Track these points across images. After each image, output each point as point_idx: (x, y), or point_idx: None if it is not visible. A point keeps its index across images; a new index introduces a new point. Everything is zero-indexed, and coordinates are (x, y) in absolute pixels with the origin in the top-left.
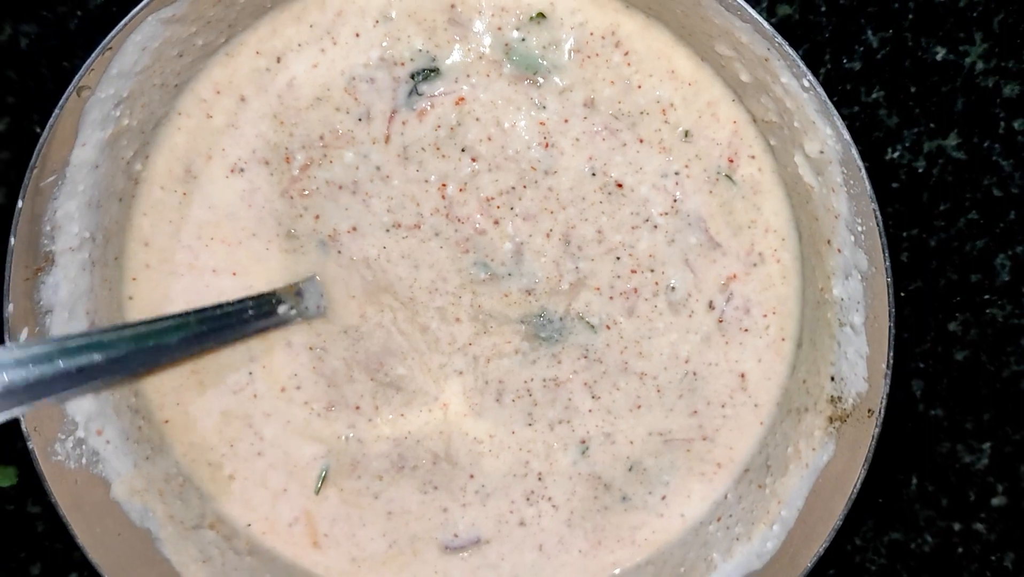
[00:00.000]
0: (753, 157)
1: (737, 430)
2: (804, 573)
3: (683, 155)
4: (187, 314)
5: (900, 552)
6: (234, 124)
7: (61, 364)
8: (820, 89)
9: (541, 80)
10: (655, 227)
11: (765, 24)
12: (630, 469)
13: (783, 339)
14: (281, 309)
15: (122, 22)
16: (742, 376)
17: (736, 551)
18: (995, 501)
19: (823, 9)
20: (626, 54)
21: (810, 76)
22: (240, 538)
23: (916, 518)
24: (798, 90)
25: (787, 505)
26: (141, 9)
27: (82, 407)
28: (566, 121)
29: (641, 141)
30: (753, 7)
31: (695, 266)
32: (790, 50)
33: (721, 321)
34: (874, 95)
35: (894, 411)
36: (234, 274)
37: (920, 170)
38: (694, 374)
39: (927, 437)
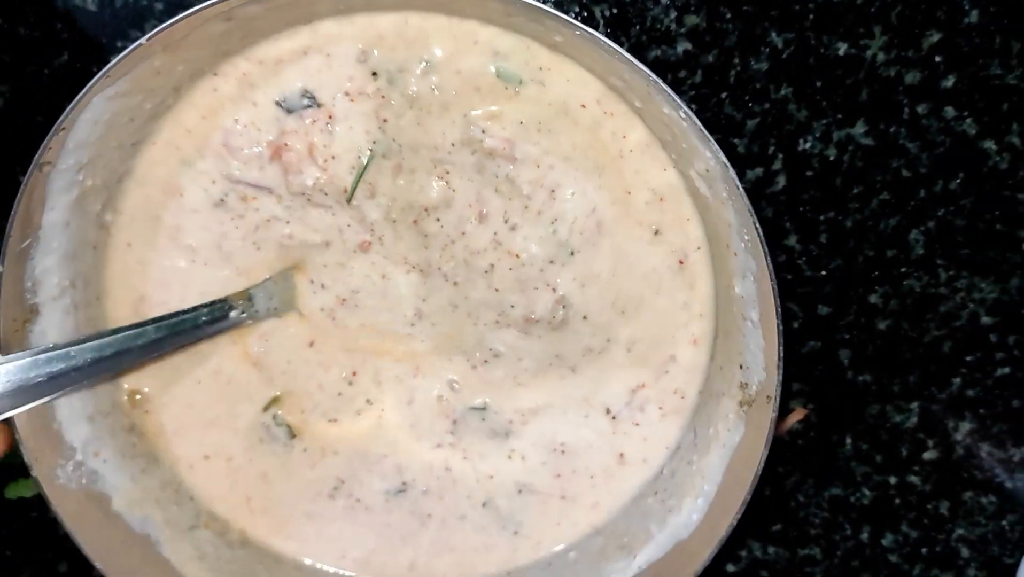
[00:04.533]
0: (665, 170)
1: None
2: (720, 541)
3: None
4: (145, 323)
5: (841, 506)
6: (188, 169)
7: (33, 373)
8: (695, 119)
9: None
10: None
11: (639, 65)
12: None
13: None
14: (232, 314)
15: (71, 105)
16: (672, 357)
17: (669, 522)
18: (927, 455)
19: (728, 16)
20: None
21: (685, 108)
22: (232, 533)
23: (853, 474)
24: (678, 119)
25: (708, 480)
26: (86, 92)
27: (79, 433)
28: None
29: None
30: (664, 16)
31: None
32: (665, 86)
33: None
34: (783, 91)
35: (825, 378)
36: (202, 294)
37: (832, 158)
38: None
39: (857, 401)
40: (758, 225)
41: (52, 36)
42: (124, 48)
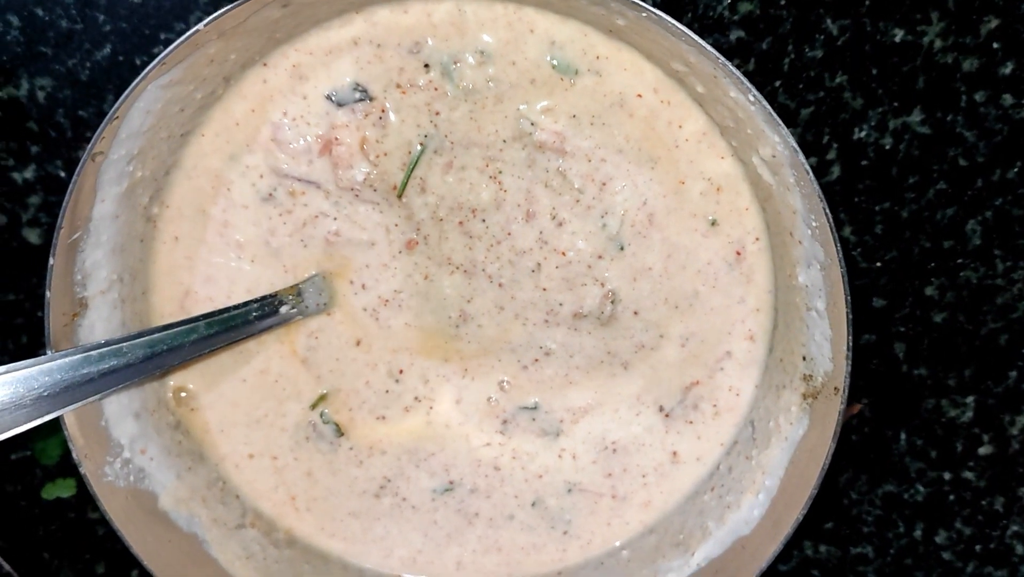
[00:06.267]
0: (722, 159)
1: (723, 410)
2: (786, 537)
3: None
4: (196, 319)
5: (894, 503)
6: (236, 163)
7: (85, 370)
8: (765, 103)
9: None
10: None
11: (707, 47)
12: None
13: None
14: (283, 309)
15: (125, 93)
16: (728, 353)
17: (728, 518)
18: (982, 450)
19: (782, 2)
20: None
21: (754, 91)
22: (278, 532)
23: (907, 471)
24: (746, 104)
25: (770, 475)
26: (141, 80)
27: (126, 430)
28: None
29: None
30: (718, 3)
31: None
32: (734, 69)
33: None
34: (838, 80)
35: (880, 372)
36: (248, 291)
37: (887, 147)
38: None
39: (912, 395)
40: (828, 211)
41: (95, 28)
42: (169, 41)
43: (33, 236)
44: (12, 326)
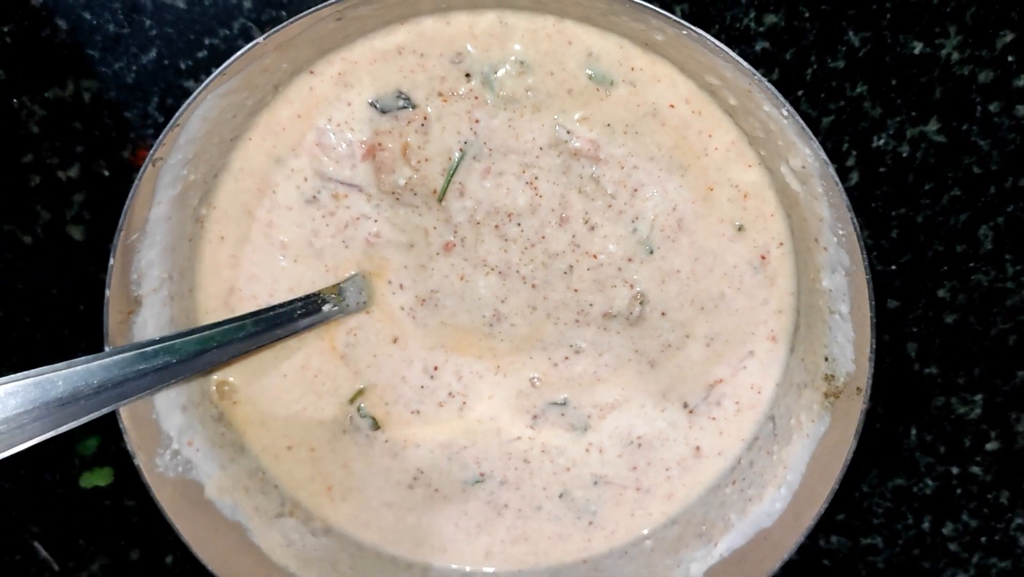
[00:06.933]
0: (749, 167)
1: (745, 407)
2: (807, 531)
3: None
4: (244, 317)
5: (904, 496)
6: (282, 166)
7: (140, 366)
8: (797, 117)
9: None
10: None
11: (744, 63)
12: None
13: (780, 311)
14: (325, 307)
15: (187, 102)
16: (751, 353)
17: (749, 511)
18: (989, 446)
19: (807, 15)
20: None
21: (788, 106)
22: (315, 521)
23: (917, 465)
24: (779, 117)
25: (792, 470)
26: (202, 90)
27: (174, 423)
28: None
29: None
30: (744, 15)
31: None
32: (769, 85)
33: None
34: (858, 89)
35: (892, 370)
36: (291, 289)
37: (904, 155)
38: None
39: (923, 393)
40: (855, 221)
41: (141, 33)
42: (213, 46)
43: (77, 233)
44: (55, 321)
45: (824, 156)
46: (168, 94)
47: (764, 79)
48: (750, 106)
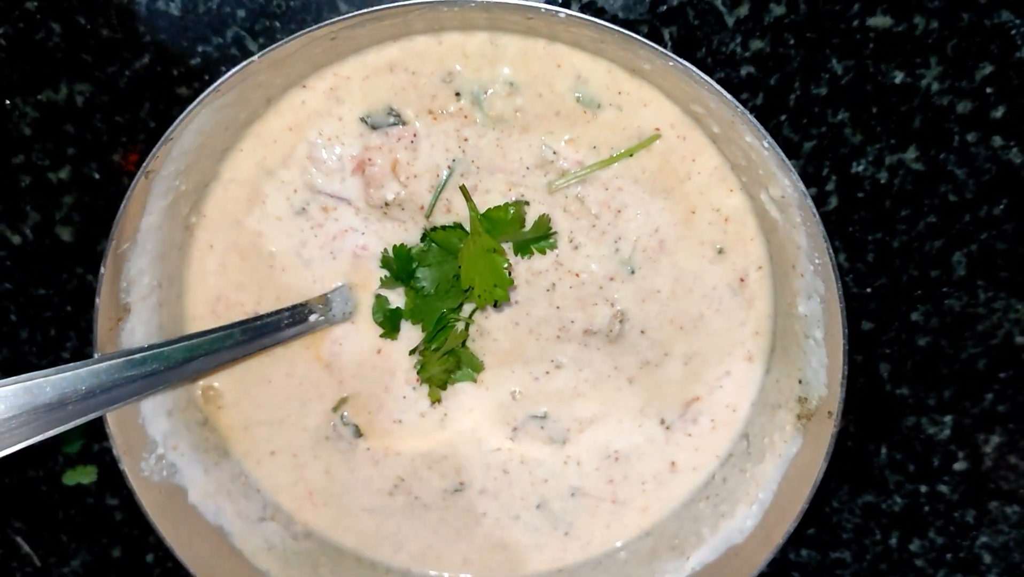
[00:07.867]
0: (731, 191)
1: (720, 425)
2: (777, 547)
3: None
4: (232, 326)
5: (873, 512)
6: (272, 178)
7: (129, 373)
8: (778, 149)
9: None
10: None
11: (728, 96)
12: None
13: (757, 333)
14: (312, 317)
15: (181, 116)
16: (727, 372)
17: (722, 527)
18: (957, 466)
19: (792, 42)
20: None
21: (769, 139)
22: (296, 525)
23: (886, 483)
24: (760, 148)
25: (763, 488)
26: (197, 105)
27: (160, 427)
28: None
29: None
30: (730, 40)
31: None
32: (752, 118)
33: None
34: (839, 116)
35: (865, 390)
36: (277, 298)
37: (883, 181)
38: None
39: (894, 413)
40: (832, 252)
41: (135, 38)
42: (206, 54)
43: (65, 234)
44: (42, 320)
45: (803, 188)
46: (160, 100)
47: (747, 112)
48: (733, 135)
